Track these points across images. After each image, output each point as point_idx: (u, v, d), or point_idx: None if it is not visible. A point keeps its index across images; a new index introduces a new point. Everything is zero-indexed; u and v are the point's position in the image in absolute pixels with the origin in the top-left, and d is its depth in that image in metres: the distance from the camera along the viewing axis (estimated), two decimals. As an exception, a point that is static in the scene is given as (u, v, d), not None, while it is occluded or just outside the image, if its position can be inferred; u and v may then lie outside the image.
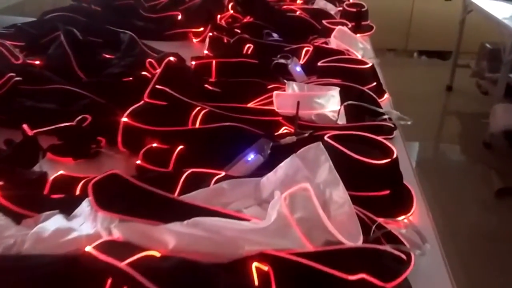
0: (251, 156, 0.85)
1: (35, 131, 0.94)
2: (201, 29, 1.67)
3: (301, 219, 0.59)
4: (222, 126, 0.92)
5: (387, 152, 0.78)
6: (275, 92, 0.99)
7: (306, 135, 0.89)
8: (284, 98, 0.98)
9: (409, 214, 0.75)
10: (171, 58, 1.14)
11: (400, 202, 0.75)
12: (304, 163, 0.70)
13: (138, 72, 1.27)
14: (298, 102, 0.91)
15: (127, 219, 0.66)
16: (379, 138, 0.81)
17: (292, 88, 1.03)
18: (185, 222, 0.64)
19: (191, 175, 0.81)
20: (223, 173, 0.81)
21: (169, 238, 0.62)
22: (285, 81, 1.26)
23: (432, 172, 2.77)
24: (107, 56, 1.43)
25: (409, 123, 1.02)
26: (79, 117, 0.98)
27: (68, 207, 0.74)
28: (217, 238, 0.61)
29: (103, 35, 1.59)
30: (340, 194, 0.67)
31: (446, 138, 3.33)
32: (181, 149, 0.90)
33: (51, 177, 0.83)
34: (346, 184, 0.75)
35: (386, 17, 3.97)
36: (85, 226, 0.68)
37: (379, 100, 1.18)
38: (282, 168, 0.70)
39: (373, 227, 0.69)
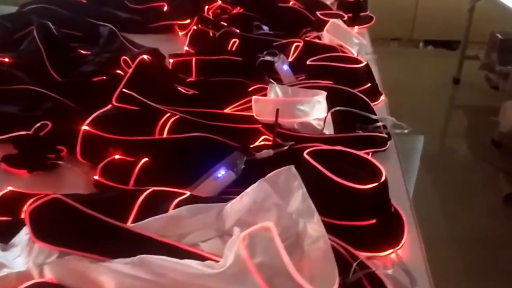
0: (221, 173, 0.76)
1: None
2: (187, 21, 1.56)
3: (261, 264, 0.49)
4: (191, 136, 0.82)
5: (375, 173, 0.67)
6: (254, 97, 0.89)
7: (285, 148, 0.79)
8: (264, 104, 0.88)
9: (397, 248, 0.65)
10: (145, 57, 1.03)
11: (388, 233, 0.65)
12: (275, 189, 0.60)
13: (113, 70, 1.17)
14: (277, 110, 0.81)
15: (68, 252, 0.57)
16: (366, 156, 0.70)
17: (275, 92, 0.93)
18: (131, 260, 0.55)
19: (151, 194, 0.71)
20: (187, 194, 0.71)
21: (108, 280, 0.53)
22: (271, 81, 1.16)
23: (436, 169, 2.66)
24: (83, 52, 1.33)
25: (406, 131, 0.92)
26: (38, 124, 0.89)
27: (8, 233, 0.66)
28: (163, 283, 0.51)
29: (83, 28, 1.49)
30: (315, 227, 0.57)
31: (451, 133, 3.18)
32: (144, 162, 0.80)
33: (-3, 195, 0.73)
34: (326, 211, 0.65)
35: (390, 4, 3.81)
36: (20, 260, 0.59)
37: (375, 103, 1.08)
38: (249, 194, 0.61)
39: (354, 265, 0.59)
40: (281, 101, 0.87)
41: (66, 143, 0.88)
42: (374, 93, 1.10)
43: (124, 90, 0.91)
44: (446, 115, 3.39)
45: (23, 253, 0.60)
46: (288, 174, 0.60)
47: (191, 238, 0.61)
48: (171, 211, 0.65)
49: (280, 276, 0.50)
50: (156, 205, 0.69)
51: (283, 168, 0.60)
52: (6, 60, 1.23)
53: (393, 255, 0.64)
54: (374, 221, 0.64)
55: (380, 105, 1.09)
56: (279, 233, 0.58)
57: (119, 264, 0.55)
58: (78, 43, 1.41)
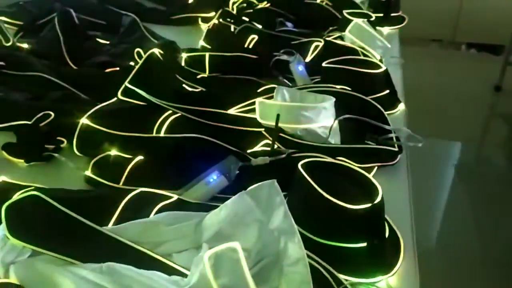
0: (213, 177, 0.72)
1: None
2: (212, 14, 1.53)
3: (225, 286, 0.46)
4: (187, 137, 0.79)
5: (371, 192, 0.62)
6: (258, 100, 0.85)
7: (283, 156, 0.75)
8: (268, 107, 0.84)
9: (388, 275, 0.60)
10: (155, 51, 1.01)
11: (379, 258, 0.60)
12: (256, 203, 0.56)
13: (127, 62, 1.16)
14: (278, 116, 0.77)
15: (41, 252, 0.55)
16: (364, 172, 0.65)
17: (282, 95, 0.89)
18: (99, 266, 0.53)
19: (138, 196, 0.69)
20: (174, 197, 0.69)
21: (71, 286, 0.51)
22: (285, 81, 1.12)
23: (471, 179, 2.53)
24: (101, 41, 1.33)
25: (419, 145, 0.85)
26: (40, 114, 0.88)
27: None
28: (126, 296, 0.49)
29: (106, 17, 1.49)
30: (295, 248, 0.54)
31: (490, 143, 3.03)
32: (138, 161, 0.78)
33: (-12, 185, 0.73)
34: (313, 228, 0.61)
35: (432, 3, 3.66)
36: (-8, 256, 0.58)
37: (391, 112, 1.02)
38: (228, 206, 0.57)
39: (336, 290, 0.55)
40: (285, 105, 0.83)
41: (67, 134, 0.87)
42: (391, 101, 1.04)
43: (128, 85, 0.89)
44: (485, 123, 3.23)
45: (-3, 249, 0.58)
46: (270, 188, 0.56)
47: (166, 247, 0.58)
48: (151, 217, 0.62)
49: (245, 300, 0.46)
50: (139, 208, 0.67)
51: (265, 181, 0.56)
52: (25, 46, 1.24)
53: (382, 283, 0.59)
54: (364, 244, 0.59)
55: (397, 114, 1.03)
56: (259, 250, 0.55)
57: (86, 270, 0.53)
58: (100, 31, 1.41)
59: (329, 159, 0.69)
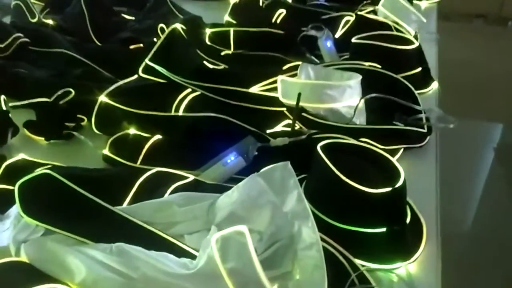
0: (231, 158, 0.70)
1: (11, 104, 0.86)
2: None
3: (233, 269, 0.44)
4: (205, 116, 0.76)
5: (393, 175, 0.59)
6: (280, 78, 0.82)
7: (303, 137, 0.72)
8: (290, 85, 0.80)
9: (408, 262, 0.56)
10: (178, 26, 0.98)
11: (399, 244, 0.57)
12: (269, 185, 0.54)
13: (151, 37, 1.14)
14: (299, 95, 0.73)
15: (53, 230, 0.55)
16: (386, 154, 0.61)
17: (306, 72, 0.85)
18: (109, 246, 0.52)
19: (154, 176, 0.68)
20: (190, 178, 0.67)
21: (80, 266, 0.50)
22: (313, 57, 1.08)
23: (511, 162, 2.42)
24: (127, 17, 1.32)
25: (451, 126, 0.80)
26: (60, 92, 0.88)
27: (9, 203, 0.65)
28: (133, 276, 0.48)
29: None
30: (309, 232, 0.51)
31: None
32: (156, 140, 0.77)
33: (7, 162, 0.73)
34: (330, 212, 0.58)
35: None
36: (6, 233, 0.58)
37: (423, 91, 0.96)
38: (240, 188, 0.55)
39: (352, 276, 0.53)
40: (308, 83, 0.79)
41: (87, 112, 0.86)
42: (424, 79, 0.98)
43: (148, 62, 0.87)
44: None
45: (11, 227, 0.59)
46: (284, 170, 0.53)
47: (178, 228, 0.56)
48: (165, 197, 0.61)
49: (254, 285, 0.44)
50: (154, 188, 0.65)
51: (278, 163, 0.54)
52: (51, 22, 1.24)
53: (402, 270, 0.56)
54: (383, 229, 0.56)
55: (429, 93, 0.97)
56: (273, 232, 0.53)
57: (96, 251, 0.52)
58: (126, 7, 1.39)
59: (350, 141, 0.65)
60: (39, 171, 0.58)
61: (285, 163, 0.53)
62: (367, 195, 0.55)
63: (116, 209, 0.58)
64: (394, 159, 0.61)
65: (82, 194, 0.57)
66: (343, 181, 0.56)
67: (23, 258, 0.52)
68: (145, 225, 0.56)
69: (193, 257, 0.52)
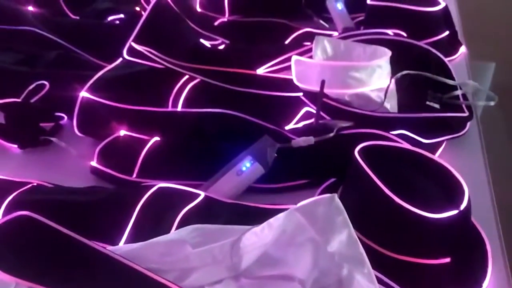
0: (246, 165, 0.59)
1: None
2: None
3: None
4: (210, 113, 0.64)
5: (454, 191, 0.48)
6: (293, 58, 0.69)
7: (331, 135, 0.60)
8: (307, 68, 0.68)
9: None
10: (165, -6, 0.83)
11: (467, 275, 0.47)
12: (310, 222, 0.43)
13: (132, 6, 0.99)
14: (323, 82, 0.61)
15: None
16: (444, 163, 0.50)
17: (322, 48, 0.72)
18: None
19: (157, 195, 0.56)
20: (201, 196, 0.56)
21: None
22: (321, 22, 0.94)
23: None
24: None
25: (492, 103, 0.69)
26: (32, 86, 0.74)
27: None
28: None
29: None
30: (364, 281, 0.41)
31: None
32: (153, 144, 0.64)
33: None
34: (380, 238, 0.48)
35: None
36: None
37: (453, 58, 0.85)
38: (272, 225, 0.44)
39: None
40: (328, 65, 0.67)
41: (67, 108, 0.73)
42: (452, 44, 0.85)
43: (133, 44, 0.73)
44: None
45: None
46: (329, 205, 0.42)
47: (196, 277, 0.46)
48: (173, 233, 0.50)
49: None
50: (160, 213, 0.54)
51: (322, 196, 0.42)
52: (13, -6, 1.06)
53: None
54: (447, 259, 0.46)
55: (459, 59, 0.85)
56: (316, 279, 0.43)
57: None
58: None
59: (395, 144, 0.54)
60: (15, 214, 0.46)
61: (331, 196, 0.42)
62: (428, 220, 0.45)
63: (116, 254, 0.46)
64: (451, 167, 0.50)
65: (71, 238, 0.46)
66: (397, 203, 0.46)
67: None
68: (153, 276, 0.45)
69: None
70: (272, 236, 0.44)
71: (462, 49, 0.86)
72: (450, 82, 0.72)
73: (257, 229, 0.45)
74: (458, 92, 0.72)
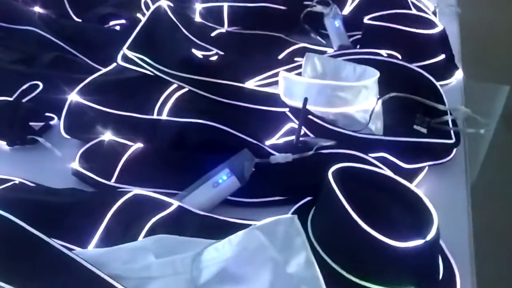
0: (223, 178, 0.59)
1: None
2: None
3: None
4: (193, 123, 0.64)
5: (424, 219, 0.48)
6: (281, 73, 0.69)
7: (309, 154, 0.60)
8: (294, 84, 0.68)
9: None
10: (164, 3, 0.84)
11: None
12: (270, 241, 0.43)
13: (133, 12, 1.00)
14: (305, 100, 0.61)
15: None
16: (417, 190, 0.50)
17: (312, 64, 0.72)
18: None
19: (131, 201, 0.56)
20: (174, 205, 0.56)
21: None
22: (318, 38, 0.95)
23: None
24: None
25: (482, 131, 0.68)
26: (25, 86, 0.75)
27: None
28: None
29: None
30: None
31: None
32: (135, 150, 0.65)
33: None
34: (345, 262, 0.48)
35: None
36: None
37: (447, 82, 0.84)
38: (232, 242, 0.44)
39: None
40: (314, 83, 0.67)
41: (58, 109, 0.74)
42: (447, 68, 0.85)
43: (126, 51, 0.74)
44: None
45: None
46: (289, 226, 0.42)
47: (155, 287, 0.46)
48: (139, 241, 0.50)
49: None
50: (130, 220, 0.55)
51: (283, 216, 0.42)
52: (20, -7, 1.08)
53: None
54: (411, 289, 0.46)
55: (453, 84, 0.84)
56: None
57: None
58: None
59: (369, 167, 0.53)
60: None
61: (291, 217, 0.42)
62: (392, 248, 0.44)
63: (80, 257, 0.47)
64: (424, 196, 0.49)
65: (39, 239, 0.47)
66: (362, 228, 0.45)
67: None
68: (113, 282, 0.45)
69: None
70: (232, 252, 0.44)
71: (458, 74, 0.86)
72: (440, 106, 0.72)
73: (218, 244, 0.45)
74: (448, 118, 0.71)
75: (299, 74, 0.72)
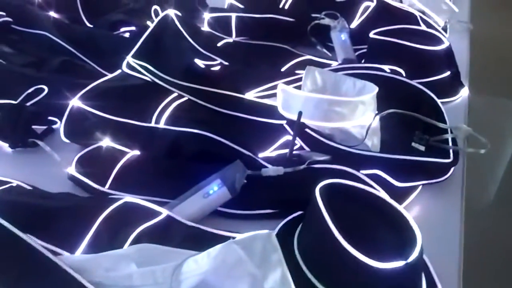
0: (214, 188, 0.59)
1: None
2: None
3: None
4: (188, 132, 0.65)
5: (407, 239, 0.47)
6: (280, 86, 0.69)
7: (301, 168, 0.60)
8: (291, 97, 0.68)
9: None
10: (171, 12, 0.85)
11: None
12: (248, 256, 0.43)
13: (144, 20, 1.01)
14: (300, 114, 0.61)
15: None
16: (402, 210, 0.49)
17: (312, 78, 0.72)
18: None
19: (121, 209, 0.57)
20: (163, 214, 0.56)
21: None
22: (324, 51, 0.95)
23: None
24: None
25: (482, 151, 0.67)
26: (31, 90, 0.77)
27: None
28: None
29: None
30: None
31: None
32: (131, 158, 0.66)
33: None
34: (327, 280, 0.47)
35: None
36: None
37: (450, 99, 0.83)
38: (211, 255, 0.44)
39: None
40: (312, 97, 0.66)
41: (61, 113, 0.75)
42: (452, 85, 0.84)
43: (131, 59, 0.75)
44: None
45: None
46: (267, 241, 0.42)
47: (136, 296, 0.46)
48: (123, 250, 0.50)
49: None
50: (118, 226, 0.55)
51: (260, 232, 0.42)
52: (37, -2, 1.11)
53: None
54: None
55: (457, 101, 0.83)
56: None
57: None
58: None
59: (357, 184, 0.53)
60: None
61: (268, 233, 0.42)
62: (373, 269, 0.44)
63: (64, 263, 0.47)
64: (410, 217, 0.49)
65: (25, 243, 0.47)
66: (343, 247, 0.45)
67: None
68: (93, 289, 0.45)
69: None
70: (210, 265, 0.44)
71: (464, 91, 0.84)
72: (440, 124, 0.71)
73: (198, 256, 0.45)
74: (448, 136, 0.70)
75: (300, 86, 0.72)
